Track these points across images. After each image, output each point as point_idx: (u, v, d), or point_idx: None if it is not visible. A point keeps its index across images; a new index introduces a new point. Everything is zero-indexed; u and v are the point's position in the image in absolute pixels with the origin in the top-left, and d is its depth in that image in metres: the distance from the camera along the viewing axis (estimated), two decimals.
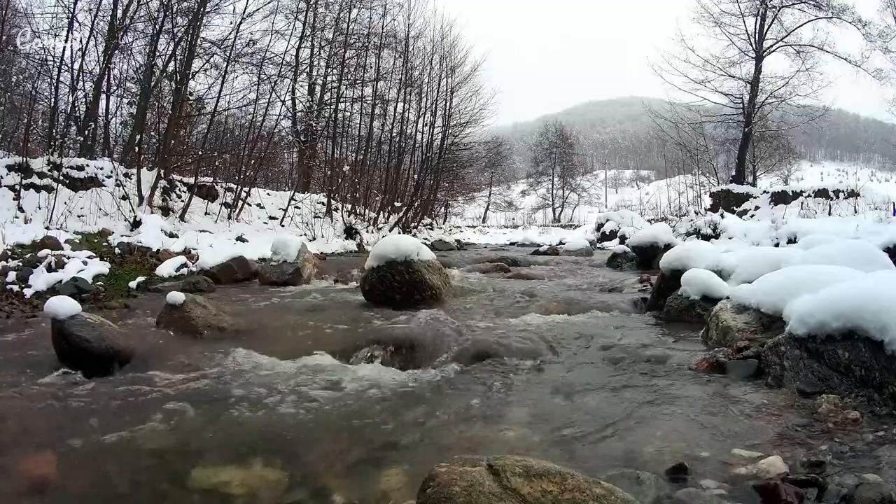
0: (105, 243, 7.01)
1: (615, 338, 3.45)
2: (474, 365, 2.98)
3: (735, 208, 16.68)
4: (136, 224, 8.15)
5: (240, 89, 12.75)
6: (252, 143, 12.55)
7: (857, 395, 2.04)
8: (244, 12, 11.33)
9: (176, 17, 10.77)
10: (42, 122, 10.84)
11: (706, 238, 10.99)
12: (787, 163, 23.87)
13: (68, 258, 5.70)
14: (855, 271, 2.91)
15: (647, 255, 8.20)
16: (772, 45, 19.57)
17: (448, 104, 20.64)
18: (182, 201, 10.39)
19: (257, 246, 8.17)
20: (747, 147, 20.31)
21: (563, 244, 13.84)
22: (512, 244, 19.31)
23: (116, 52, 10.63)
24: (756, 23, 19.57)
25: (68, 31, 9.43)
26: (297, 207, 13.17)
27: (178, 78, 10.99)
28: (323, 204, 14.32)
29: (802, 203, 14.89)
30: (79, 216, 7.98)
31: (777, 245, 8.51)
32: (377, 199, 17.80)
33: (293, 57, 14.36)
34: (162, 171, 9.95)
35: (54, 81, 9.50)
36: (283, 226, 12.27)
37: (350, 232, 12.96)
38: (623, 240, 13.06)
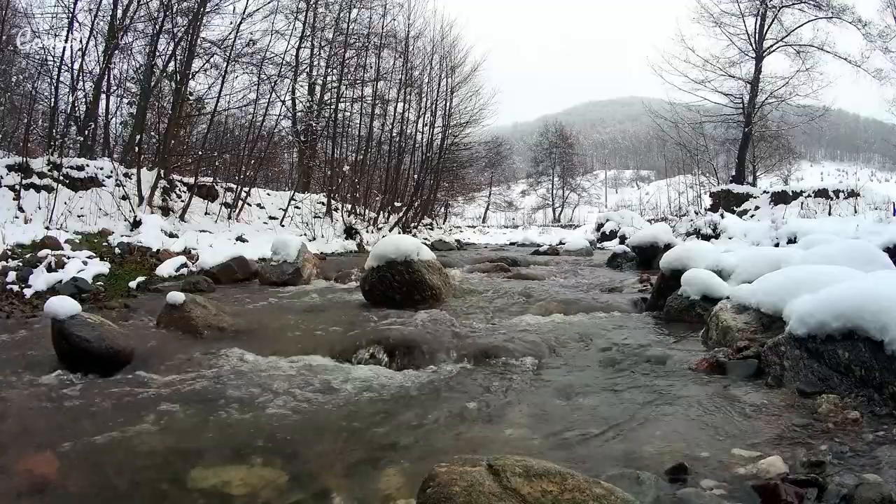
0: (105, 243, 7.01)
1: (615, 338, 3.45)
2: (474, 365, 2.98)
3: (735, 208, 16.67)
4: (136, 224, 8.15)
5: (240, 89, 12.78)
6: (252, 143, 12.56)
7: (857, 395, 2.04)
8: (244, 12, 11.35)
9: (176, 17, 10.77)
10: (42, 122, 10.84)
11: (706, 238, 10.99)
12: (787, 163, 23.87)
13: (68, 258, 5.70)
14: (855, 271, 2.91)
15: (647, 255, 8.20)
16: (772, 45, 19.57)
17: (448, 104, 20.66)
18: (182, 201, 10.39)
19: (257, 246, 8.17)
20: (747, 147, 20.30)
21: (563, 244, 13.83)
22: (512, 244, 19.30)
23: (116, 52, 10.64)
24: (756, 23, 19.58)
25: (68, 31, 9.44)
26: (297, 207, 13.17)
27: (178, 78, 10.99)
28: (323, 204, 14.33)
29: (802, 203, 14.88)
30: (79, 216, 7.98)
31: (777, 245, 8.51)
32: (377, 199, 17.80)
33: (293, 57, 14.37)
34: (162, 171, 9.95)
35: (54, 81, 9.51)
36: (283, 226, 12.27)
37: (350, 232, 12.96)
38: (623, 240, 13.06)
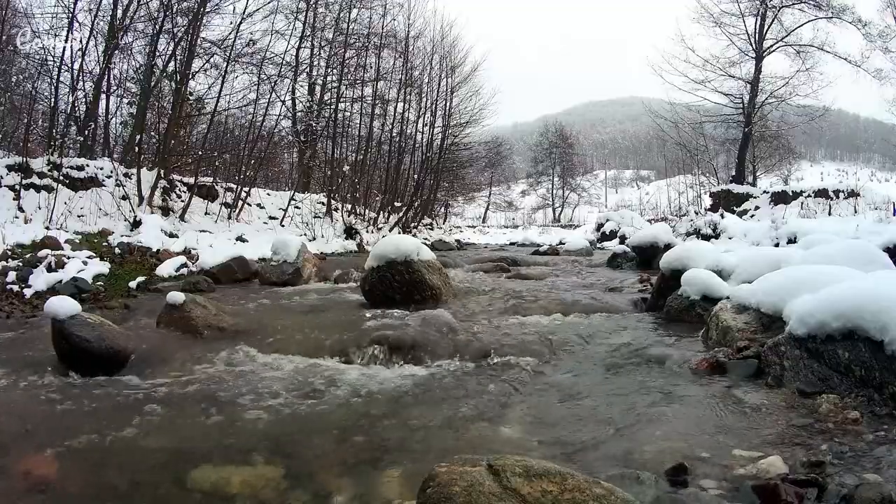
0: (105, 243, 7.01)
1: (615, 338, 3.45)
2: (474, 365, 2.98)
3: (735, 208, 16.67)
4: (136, 224, 8.15)
5: (240, 89, 12.78)
6: (252, 143, 12.56)
7: (857, 395, 2.04)
8: (244, 12, 11.35)
9: (176, 17, 10.77)
10: (42, 122, 10.84)
11: (706, 238, 10.98)
12: (787, 163, 23.87)
13: (68, 258, 5.70)
14: (855, 271, 2.91)
15: (647, 255, 8.19)
16: (772, 45, 19.58)
17: (448, 104, 20.67)
18: (182, 201, 10.39)
19: (257, 246, 8.17)
20: (747, 147, 20.31)
21: (563, 244, 13.82)
22: (512, 244, 19.29)
23: (116, 52, 10.64)
24: (756, 23, 19.58)
25: (68, 31, 9.44)
26: (297, 207, 13.17)
27: (178, 78, 10.99)
28: (323, 204, 14.32)
29: (802, 203, 14.88)
30: (79, 216, 7.98)
31: (777, 245, 8.51)
32: (377, 199, 17.80)
33: (293, 57, 14.37)
34: (162, 171, 9.95)
35: (54, 81, 9.51)
36: (283, 226, 12.27)
37: (350, 232, 12.96)
38: (623, 240, 13.05)
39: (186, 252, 7.40)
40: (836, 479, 1.48)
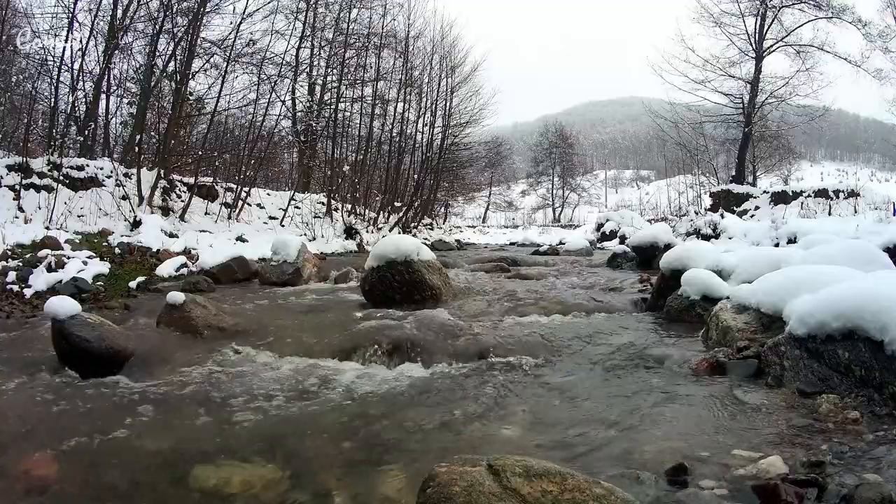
0: (105, 243, 7.01)
1: (615, 338, 3.45)
2: (474, 365, 2.98)
3: (735, 208, 16.67)
4: (136, 224, 8.15)
5: (240, 89, 12.78)
6: (252, 143, 12.56)
7: (857, 395, 2.04)
8: (244, 12, 11.35)
9: (176, 17, 10.77)
10: (42, 122, 10.84)
11: (706, 238, 10.98)
12: (787, 163, 23.88)
13: (68, 258, 5.70)
14: (855, 271, 2.91)
15: (647, 255, 8.19)
16: (772, 45, 19.58)
17: (448, 104, 20.67)
18: (182, 201, 10.39)
19: (257, 246, 8.18)
20: (747, 147, 20.31)
21: (563, 244, 13.83)
22: (512, 244, 19.30)
23: (116, 52, 10.64)
24: (756, 23, 19.58)
25: (68, 31, 9.44)
26: (297, 207, 13.17)
27: (178, 78, 10.99)
28: (323, 204, 14.32)
29: (802, 203, 14.88)
30: (79, 216, 7.98)
31: (777, 245, 8.51)
32: (377, 199, 17.80)
33: (293, 57, 14.37)
34: (162, 171, 9.95)
35: (54, 81, 9.51)
36: (283, 226, 12.27)
37: (350, 232, 12.95)
38: (623, 240, 13.05)
39: (186, 252, 7.40)
40: (836, 479, 1.48)
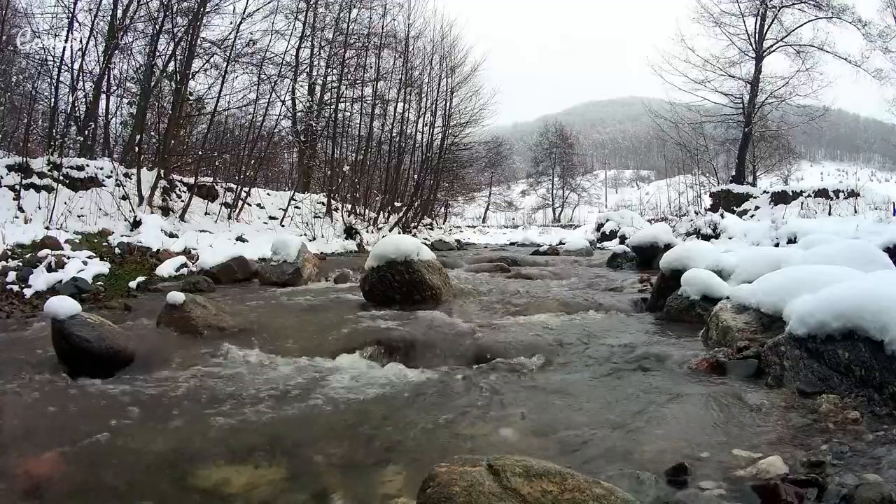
0: (105, 243, 7.01)
1: (615, 338, 3.45)
2: (474, 365, 2.98)
3: (735, 208, 16.68)
4: (136, 224, 8.15)
5: (240, 89, 12.78)
6: (252, 143, 12.56)
7: (857, 395, 2.04)
8: (244, 12, 11.35)
9: (176, 17, 10.77)
10: (42, 122, 10.84)
11: (706, 238, 10.99)
12: (787, 163, 23.88)
13: (68, 258, 5.70)
14: (855, 271, 2.91)
15: (647, 255, 8.20)
16: (772, 45, 19.58)
17: (448, 104, 20.68)
18: (182, 201, 10.39)
19: (257, 246, 8.17)
20: (747, 147, 20.31)
21: (563, 244, 13.83)
22: (512, 244, 19.31)
23: (116, 52, 10.64)
24: (756, 23, 19.59)
25: (68, 31, 9.44)
26: (297, 207, 13.17)
27: (178, 78, 10.99)
28: (323, 204, 14.32)
29: (802, 203, 14.89)
30: (79, 216, 7.98)
31: (777, 245, 8.51)
32: (377, 199, 17.80)
33: (293, 57, 14.37)
34: (162, 171, 9.95)
35: (54, 81, 9.51)
36: (283, 226, 12.27)
37: (350, 232, 12.96)
38: (623, 240, 13.06)
39: (186, 252, 7.40)
40: (836, 479, 1.48)
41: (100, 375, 2.74)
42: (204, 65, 11.84)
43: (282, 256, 6.54)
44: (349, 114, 16.42)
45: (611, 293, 5.54)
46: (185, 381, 2.68)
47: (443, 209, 29.79)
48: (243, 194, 11.85)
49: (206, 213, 10.93)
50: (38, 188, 7.93)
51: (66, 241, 6.41)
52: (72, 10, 9.49)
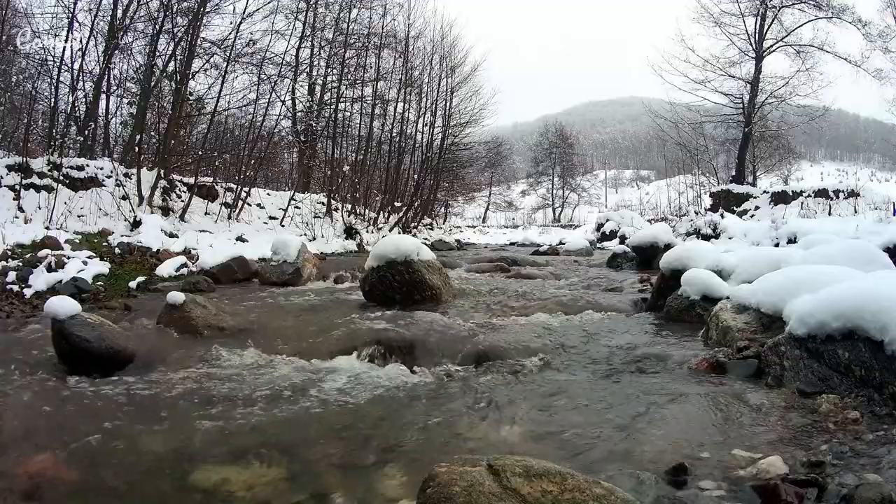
0: (105, 243, 7.01)
1: (615, 338, 3.45)
2: (474, 365, 2.98)
3: (735, 208, 16.68)
4: (136, 224, 8.15)
5: (240, 89, 12.78)
6: (252, 143, 12.56)
7: (857, 395, 2.04)
8: (244, 12, 11.34)
9: (176, 17, 10.77)
10: (42, 122, 10.84)
11: (706, 238, 10.98)
12: (787, 163, 23.88)
13: (68, 258, 5.70)
14: (855, 271, 2.91)
15: (647, 255, 8.20)
16: (772, 45, 19.58)
17: (448, 104, 20.67)
18: (182, 201, 10.39)
19: (257, 246, 8.17)
20: (747, 147, 20.31)
21: (563, 244, 13.84)
22: (512, 244, 19.30)
23: (116, 52, 10.63)
24: (756, 23, 19.59)
25: (68, 31, 9.44)
26: (297, 207, 13.17)
27: (178, 78, 10.99)
28: (323, 204, 14.32)
29: (802, 203, 14.89)
30: (79, 216, 7.98)
31: (777, 245, 8.51)
32: (377, 199, 17.80)
33: (293, 57, 14.37)
34: (162, 171, 9.95)
35: (54, 81, 9.51)
36: (283, 226, 12.27)
37: (350, 232, 12.96)
38: (623, 240, 13.06)
39: (186, 252, 7.40)
40: (836, 479, 1.48)
41: (100, 375, 2.74)
42: (204, 65, 11.85)
43: (282, 256, 6.54)
44: (349, 114, 16.43)
45: (611, 293, 5.54)
46: (185, 381, 2.68)
47: (443, 209, 29.79)
48: (243, 194, 11.85)
49: (206, 213, 10.93)
50: (38, 188, 7.93)
51: (66, 241, 6.41)
52: (72, 10, 9.49)
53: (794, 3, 18.94)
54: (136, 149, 9.93)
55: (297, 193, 13.83)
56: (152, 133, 11.26)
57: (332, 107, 15.48)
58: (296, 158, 18.76)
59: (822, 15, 18.62)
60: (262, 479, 1.75)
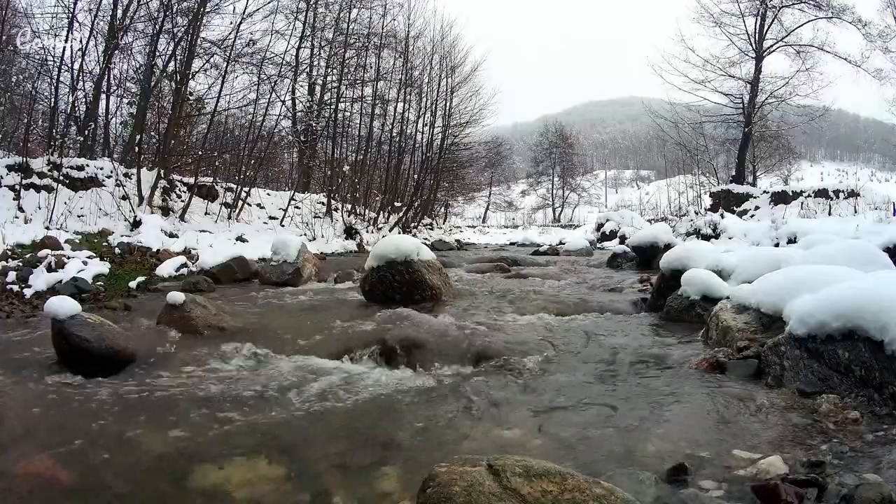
0: (105, 243, 7.01)
1: (615, 338, 3.45)
2: (474, 365, 2.98)
3: (735, 208, 16.68)
4: (136, 224, 8.15)
5: (240, 89, 12.78)
6: (252, 143, 12.56)
7: (857, 395, 2.04)
8: (244, 12, 11.35)
9: (176, 17, 10.77)
10: (42, 122, 10.84)
11: (706, 238, 10.99)
12: (787, 163, 23.88)
13: (68, 258, 5.70)
14: (855, 271, 2.91)
15: (647, 255, 8.19)
16: (772, 45, 19.59)
17: (448, 104, 20.68)
18: (182, 201, 10.39)
19: (257, 246, 8.17)
20: (747, 147, 20.32)
21: (563, 244, 13.83)
22: (512, 244, 19.30)
23: (116, 52, 10.64)
24: (756, 23, 19.59)
25: (68, 31, 9.45)
26: (297, 207, 13.17)
27: (178, 78, 10.99)
28: (323, 204, 14.33)
29: (802, 203, 14.89)
30: (79, 216, 7.98)
31: (777, 245, 8.51)
32: (377, 199, 17.80)
33: (293, 57, 14.38)
34: (162, 171, 9.95)
35: (54, 81, 9.51)
36: (283, 226, 12.27)
37: (350, 232, 12.96)
38: (623, 240, 13.06)
39: (186, 252, 7.40)
40: (836, 479, 1.49)
41: (100, 375, 2.74)
42: (204, 65, 11.86)
43: (282, 256, 6.54)
44: (349, 114, 16.44)
45: (611, 293, 5.54)
46: (185, 380, 2.69)
47: (443, 209, 29.79)
48: (243, 194, 11.85)
49: (206, 213, 10.93)
50: (38, 188, 7.93)
51: (66, 241, 6.41)
52: (72, 10, 9.50)
53: (794, 3, 18.95)
54: (136, 149, 9.93)
55: (297, 193, 13.84)
56: (152, 133, 11.26)
57: (332, 107, 15.48)
58: (296, 158, 18.76)
59: (822, 15, 18.63)
60: (263, 478, 1.75)
